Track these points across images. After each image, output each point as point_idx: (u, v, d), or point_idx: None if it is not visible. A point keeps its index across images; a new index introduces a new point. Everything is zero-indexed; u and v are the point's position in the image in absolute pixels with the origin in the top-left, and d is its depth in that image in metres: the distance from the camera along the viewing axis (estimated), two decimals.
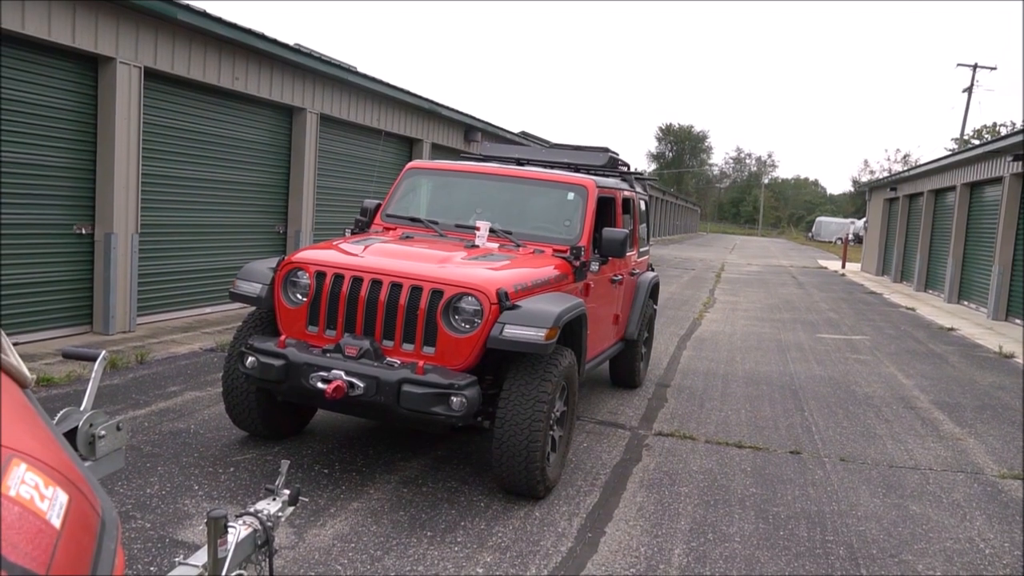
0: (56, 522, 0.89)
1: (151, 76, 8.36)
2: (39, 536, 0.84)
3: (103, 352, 2.04)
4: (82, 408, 1.79)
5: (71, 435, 1.73)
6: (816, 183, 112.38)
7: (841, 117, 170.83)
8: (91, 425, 1.77)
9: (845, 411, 7.41)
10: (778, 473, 5.49)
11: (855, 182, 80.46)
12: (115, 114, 7.82)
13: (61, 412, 1.76)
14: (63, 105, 7.54)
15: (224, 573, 1.94)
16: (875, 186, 31.68)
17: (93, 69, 7.81)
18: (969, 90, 39.16)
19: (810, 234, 69.70)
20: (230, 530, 2.07)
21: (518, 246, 5.49)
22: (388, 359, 4.37)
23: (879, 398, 8.06)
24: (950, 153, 20.70)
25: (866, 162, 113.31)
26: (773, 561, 4.07)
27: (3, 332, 1.31)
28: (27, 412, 1.12)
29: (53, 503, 0.91)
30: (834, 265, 32.61)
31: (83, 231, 7.89)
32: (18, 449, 0.93)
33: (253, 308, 5.15)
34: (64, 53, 7.43)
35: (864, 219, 37.96)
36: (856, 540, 4.42)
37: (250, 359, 4.49)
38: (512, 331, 4.29)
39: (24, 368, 1.25)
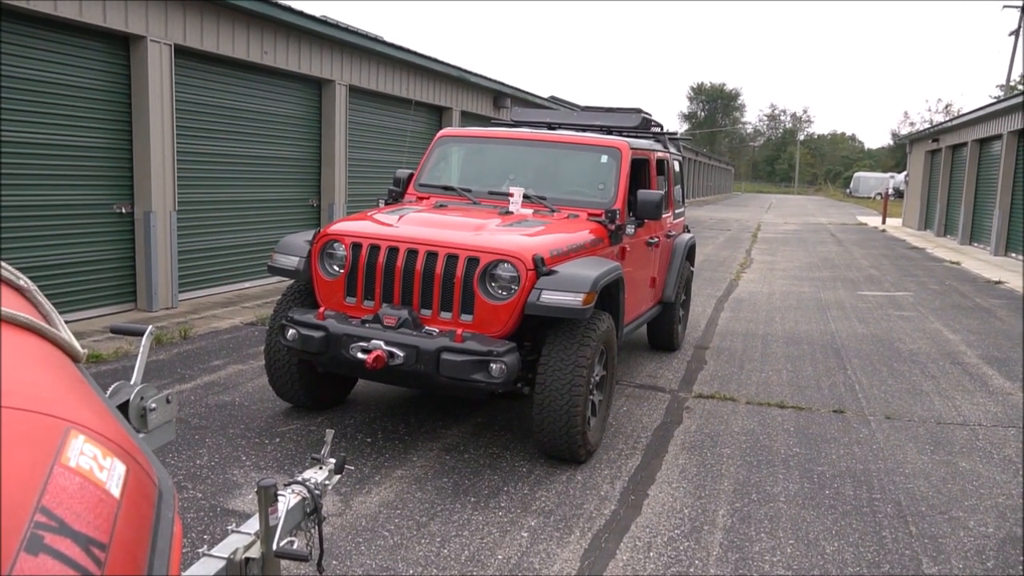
0: (116, 492, 0.90)
1: (181, 53, 8.40)
2: (100, 505, 0.85)
3: (150, 327, 2.07)
4: (132, 382, 1.82)
5: (123, 408, 1.76)
6: (853, 138, 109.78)
7: (879, 68, 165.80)
8: (142, 398, 1.80)
9: (889, 369, 7.28)
10: (822, 432, 5.43)
11: (895, 135, 78.31)
12: (148, 92, 7.89)
13: (112, 386, 1.78)
14: (97, 85, 7.62)
15: (276, 540, 1.98)
16: (916, 138, 30.75)
17: (125, 48, 7.86)
18: (1017, 32, 37.40)
19: (848, 190, 68.16)
20: (280, 498, 2.09)
21: (552, 211, 5.44)
22: (426, 328, 4.39)
23: (924, 354, 7.91)
24: (995, 100, 19.96)
25: (906, 114, 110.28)
26: (819, 520, 4.04)
27: (54, 308, 1.32)
28: (82, 386, 1.13)
29: (112, 473, 0.92)
30: (874, 221, 31.90)
31: (123, 210, 8.02)
32: (76, 421, 0.94)
33: (291, 281, 5.20)
34: (96, 33, 7.50)
35: (904, 173, 36.93)
36: (904, 498, 4.37)
37: (291, 331, 4.55)
38: (549, 296, 4.28)
39: (76, 343, 1.26)
